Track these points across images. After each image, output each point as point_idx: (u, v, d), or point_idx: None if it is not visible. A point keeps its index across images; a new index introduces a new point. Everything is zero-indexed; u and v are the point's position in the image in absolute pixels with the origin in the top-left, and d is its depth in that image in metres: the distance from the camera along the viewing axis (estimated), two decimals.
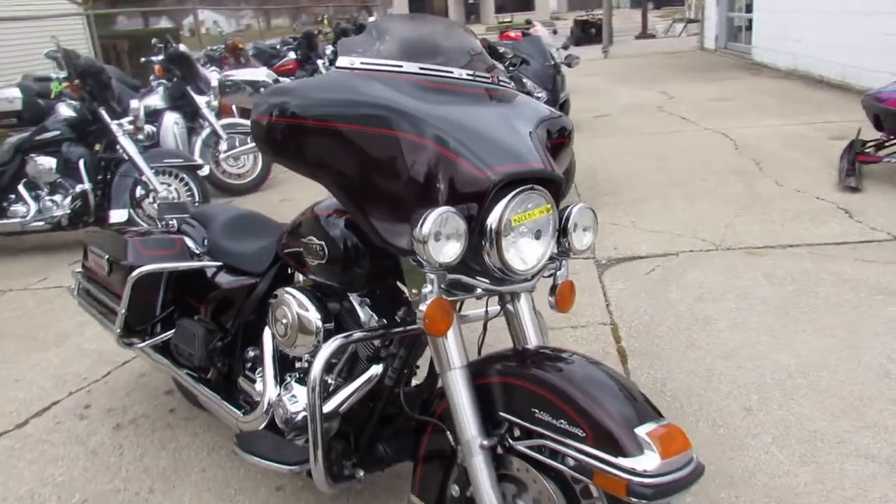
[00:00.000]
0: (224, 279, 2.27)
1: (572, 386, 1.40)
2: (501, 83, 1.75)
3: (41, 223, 4.89)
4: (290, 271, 2.06)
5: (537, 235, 1.53)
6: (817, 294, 3.30)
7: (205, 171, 5.46)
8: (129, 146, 4.82)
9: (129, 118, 4.84)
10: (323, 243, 1.77)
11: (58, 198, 4.90)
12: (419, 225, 1.37)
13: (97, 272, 2.56)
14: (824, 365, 2.70)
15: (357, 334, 1.70)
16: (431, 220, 1.37)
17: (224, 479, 2.31)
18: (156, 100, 5.89)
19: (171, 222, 2.56)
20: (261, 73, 5.12)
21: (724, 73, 11.63)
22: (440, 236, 1.41)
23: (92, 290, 2.62)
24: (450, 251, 1.42)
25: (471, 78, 1.66)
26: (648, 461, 1.27)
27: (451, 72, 1.64)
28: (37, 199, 4.93)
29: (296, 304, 1.83)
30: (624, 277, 3.72)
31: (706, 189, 5.19)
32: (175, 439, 2.56)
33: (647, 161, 6.19)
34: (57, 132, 4.90)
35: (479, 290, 1.57)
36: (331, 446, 1.84)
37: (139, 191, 4.90)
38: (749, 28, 13.38)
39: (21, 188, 4.92)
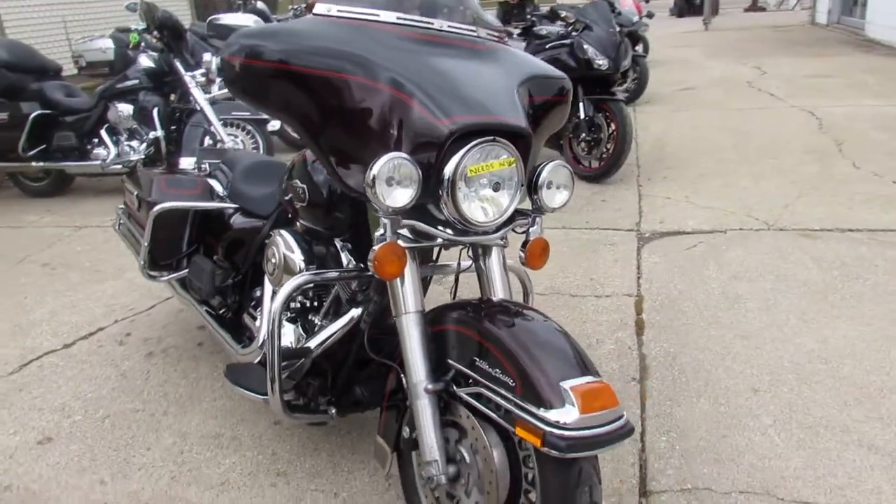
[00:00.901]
0: (238, 221, 2.39)
1: (511, 338, 1.41)
2: (489, 37, 1.75)
3: (119, 166, 5.21)
4: (290, 215, 2.15)
5: (496, 188, 1.53)
6: (865, 281, 3.11)
7: (274, 126, 5.65)
8: (200, 97, 5.04)
9: (202, 70, 5.05)
10: (305, 187, 1.83)
11: (134, 143, 5.21)
12: (369, 169, 1.41)
13: (132, 208, 2.75)
14: (851, 353, 2.56)
15: (325, 274, 1.76)
16: (380, 164, 1.40)
17: (230, 409, 2.45)
18: None
19: (203, 165, 2.70)
20: (248, 20, 5.20)
21: (829, 48, 10.87)
22: (392, 182, 1.44)
23: (128, 225, 2.81)
24: (400, 197, 1.45)
25: (452, 30, 1.67)
26: (567, 414, 1.28)
27: (431, 23, 1.64)
28: (116, 143, 5.26)
29: (283, 245, 1.91)
30: (663, 251, 3.62)
31: (775, 168, 4.93)
32: (196, 370, 2.74)
33: (722, 137, 5.93)
34: (136, 81, 5.20)
35: (439, 240, 1.58)
36: (308, 382, 1.94)
37: (207, 140, 5.13)
38: (864, 3, 12.40)
39: (103, 133, 5.26)
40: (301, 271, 1.85)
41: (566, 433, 1.26)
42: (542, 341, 1.42)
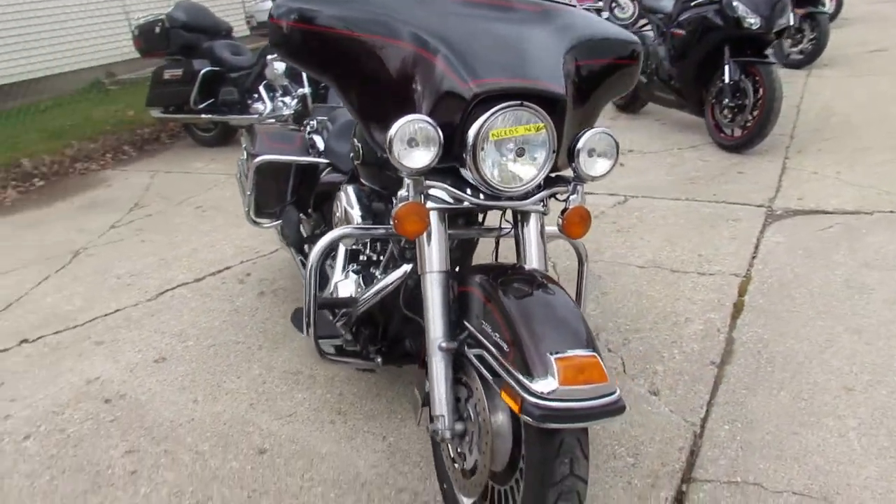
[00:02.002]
0: (325, 176, 2.54)
1: (514, 305, 1.41)
2: None
3: (272, 120, 5.64)
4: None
5: (519, 153, 1.52)
6: None
7: None
8: None
9: None
10: (360, 146, 1.91)
11: (287, 99, 5.60)
12: (389, 130, 1.45)
13: (245, 160, 3.01)
14: None
15: (355, 230, 1.85)
16: (397, 126, 1.44)
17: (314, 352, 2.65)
18: None
19: (311, 123, 2.88)
20: None
21: None
22: (414, 143, 1.47)
23: (244, 175, 3.08)
24: (419, 159, 1.48)
25: None
26: (547, 385, 1.27)
27: None
28: (272, 99, 5.69)
29: (345, 200, 2.02)
30: (791, 231, 3.32)
31: None
32: None
33: None
34: None
35: (465, 203, 1.59)
36: (360, 330, 2.05)
37: None
38: None
39: (261, 88, 5.69)
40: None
41: (542, 402, 1.26)
42: (544, 312, 1.40)
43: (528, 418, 1.27)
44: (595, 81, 1.71)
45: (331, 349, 2.02)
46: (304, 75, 5.38)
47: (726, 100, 4.47)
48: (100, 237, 4.16)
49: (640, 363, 2.38)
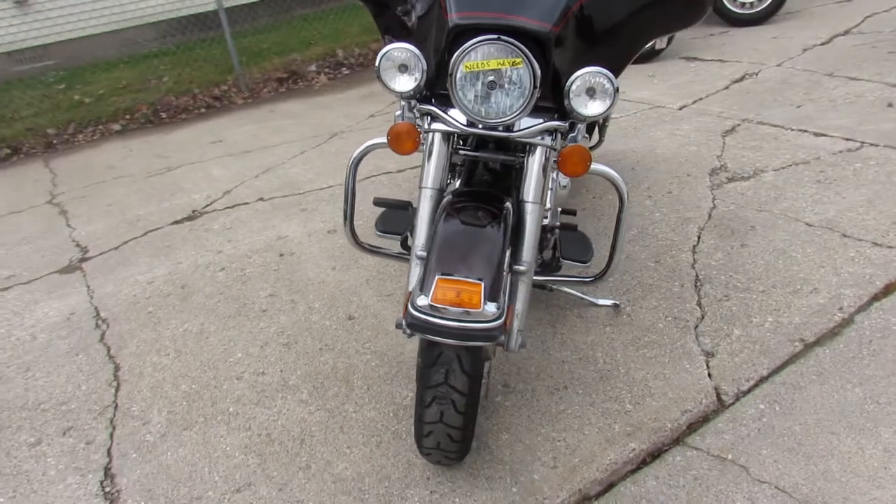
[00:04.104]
0: None
1: (443, 227, 1.57)
2: None
3: None
4: None
5: (490, 86, 1.58)
6: None
7: None
8: None
9: None
10: None
11: None
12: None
13: None
14: None
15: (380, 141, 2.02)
16: (384, 51, 1.62)
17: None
18: None
19: None
20: None
21: None
22: (404, 68, 1.64)
23: None
24: (404, 83, 1.64)
25: None
26: (423, 300, 1.43)
27: None
28: None
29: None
30: None
31: None
32: None
33: None
34: None
35: (458, 126, 1.70)
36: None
37: None
38: None
39: None
40: None
41: (414, 313, 1.42)
42: (460, 238, 1.52)
43: (403, 325, 1.44)
44: (625, 16, 1.64)
45: (364, 241, 2.23)
46: None
47: None
48: (357, 123, 4.90)
49: (720, 323, 2.23)
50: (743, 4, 5.87)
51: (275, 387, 2.22)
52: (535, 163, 1.73)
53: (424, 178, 1.78)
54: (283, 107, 5.65)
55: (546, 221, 2.14)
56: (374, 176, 3.82)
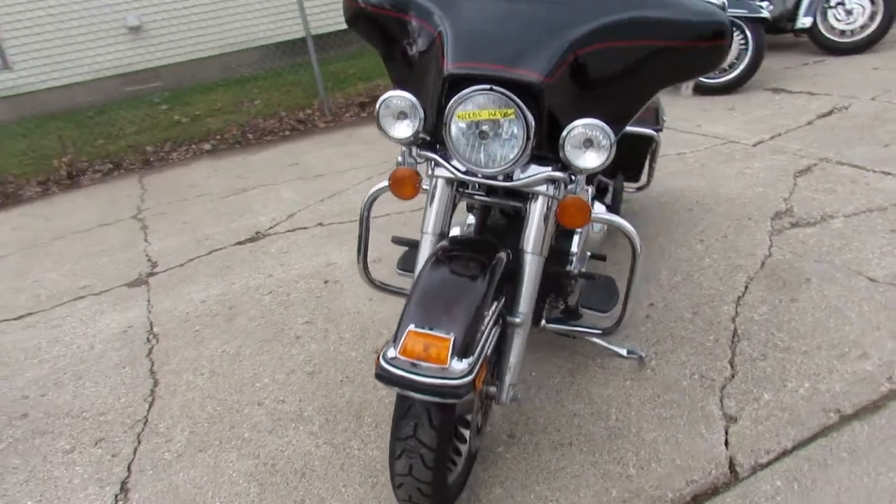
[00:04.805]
0: None
1: (426, 276, 1.56)
2: None
3: None
4: None
5: (482, 136, 1.56)
6: None
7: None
8: None
9: None
10: None
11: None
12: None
13: None
14: None
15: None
16: (382, 98, 1.64)
17: None
18: None
19: None
20: None
21: None
22: (403, 115, 1.65)
23: None
24: (402, 130, 1.65)
25: None
26: (392, 351, 1.42)
27: None
28: None
29: None
30: None
31: None
32: None
33: None
34: None
35: (458, 174, 1.69)
36: None
37: None
38: None
39: None
40: None
41: (384, 365, 1.42)
42: (440, 289, 1.51)
43: (376, 375, 1.44)
44: (628, 65, 1.58)
45: (375, 279, 2.23)
46: None
47: None
48: None
49: (750, 385, 2.08)
50: (842, 32, 5.51)
51: (290, 416, 2.27)
52: (536, 212, 1.70)
53: (425, 223, 1.78)
54: (360, 132, 5.81)
55: (570, 267, 2.09)
56: (412, 211, 3.85)
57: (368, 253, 2.19)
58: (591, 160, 1.54)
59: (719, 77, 5.07)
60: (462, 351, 1.41)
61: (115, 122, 6.68)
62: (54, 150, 5.82)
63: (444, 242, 1.70)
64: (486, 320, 1.52)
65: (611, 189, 2.63)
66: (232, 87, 7.46)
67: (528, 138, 1.54)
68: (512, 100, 1.51)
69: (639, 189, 2.94)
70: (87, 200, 5.10)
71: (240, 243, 3.78)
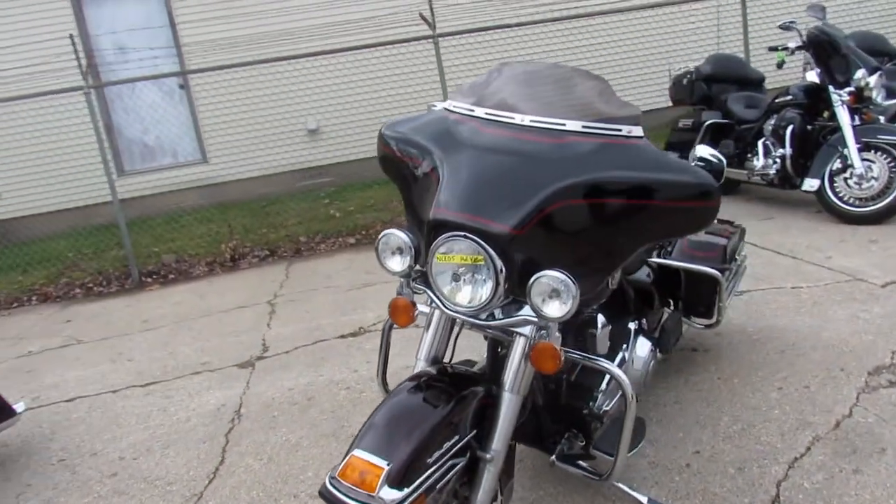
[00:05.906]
0: None
1: (389, 400, 1.65)
2: (590, 129, 1.70)
3: (758, 178, 5.44)
4: None
5: (455, 278, 1.68)
6: None
7: None
8: (843, 116, 4.73)
9: (850, 88, 4.71)
10: None
11: (777, 156, 5.29)
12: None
13: None
14: None
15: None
16: (381, 235, 1.81)
17: None
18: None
19: None
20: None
21: None
22: (397, 252, 1.82)
23: None
24: (396, 264, 1.81)
25: (531, 124, 1.74)
26: (333, 472, 1.54)
27: (513, 117, 1.78)
28: (767, 154, 5.45)
29: None
30: None
31: None
32: None
33: None
34: (791, 97, 5.21)
35: (444, 309, 1.79)
36: None
37: (837, 164, 4.78)
38: None
39: (759, 143, 5.51)
40: None
41: (325, 484, 1.53)
42: (393, 416, 1.60)
43: (318, 492, 1.55)
44: (605, 221, 1.64)
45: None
46: (787, 135, 5.05)
47: None
48: None
49: None
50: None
51: None
52: (517, 350, 1.76)
53: (419, 350, 1.90)
54: None
55: (594, 405, 2.08)
56: None
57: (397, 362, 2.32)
58: (554, 310, 1.59)
59: (868, 206, 4.70)
60: (398, 480, 1.48)
61: (282, 212, 7.51)
62: (224, 236, 6.67)
63: (423, 369, 1.80)
64: (439, 452, 1.58)
65: (661, 324, 2.56)
66: (386, 186, 8.10)
67: (497, 283, 1.63)
68: (482, 247, 1.61)
69: (707, 327, 2.82)
70: (239, 283, 5.76)
71: (342, 336, 4.08)
